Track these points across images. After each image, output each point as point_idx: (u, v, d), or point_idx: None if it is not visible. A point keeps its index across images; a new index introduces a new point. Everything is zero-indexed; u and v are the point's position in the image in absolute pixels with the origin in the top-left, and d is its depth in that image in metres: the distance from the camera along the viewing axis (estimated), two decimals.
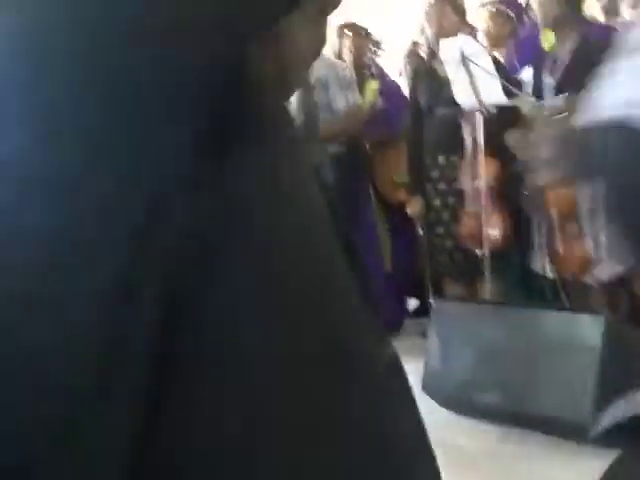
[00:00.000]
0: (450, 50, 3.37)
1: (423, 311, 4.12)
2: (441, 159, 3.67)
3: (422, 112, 3.76)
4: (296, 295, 0.48)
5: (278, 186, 0.49)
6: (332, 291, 0.50)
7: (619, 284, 3.44)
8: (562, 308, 3.21)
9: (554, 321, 2.72)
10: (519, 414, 2.61)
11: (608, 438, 2.41)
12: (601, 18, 3.90)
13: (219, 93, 0.46)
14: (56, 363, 0.43)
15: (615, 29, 3.78)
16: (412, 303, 4.49)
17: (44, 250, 0.44)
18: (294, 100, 3.21)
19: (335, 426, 0.48)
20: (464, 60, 3.29)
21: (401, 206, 4.00)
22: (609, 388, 2.44)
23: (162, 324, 0.43)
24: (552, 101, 3.29)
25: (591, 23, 3.53)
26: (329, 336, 0.49)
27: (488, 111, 3.37)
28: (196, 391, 0.45)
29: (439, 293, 3.78)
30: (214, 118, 0.46)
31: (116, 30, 0.46)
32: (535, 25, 3.65)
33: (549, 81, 3.40)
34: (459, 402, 2.74)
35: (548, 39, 3.57)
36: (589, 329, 2.56)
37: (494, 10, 4.11)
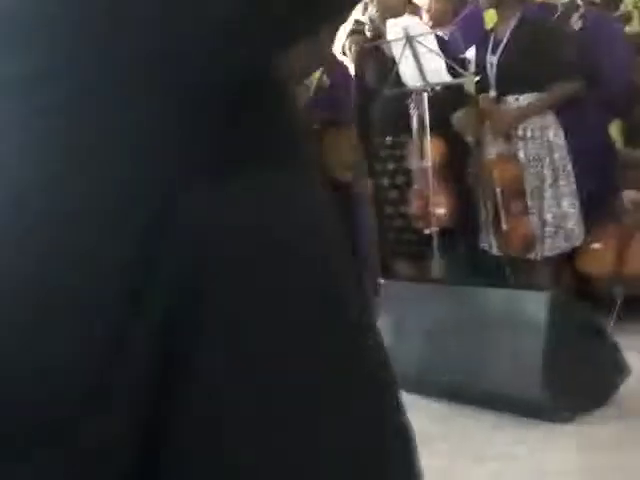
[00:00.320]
0: (396, 30, 3.36)
1: (372, 291, 4.14)
2: (389, 139, 3.69)
3: (369, 92, 3.76)
4: (301, 295, 0.49)
5: (283, 191, 0.50)
6: (338, 292, 0.51)
7: (563, 260, 3.52)
8: (508, 285, 3.28)
9: (500, 298, 2.77)
10: (470, 392, 2.66)
11: (558, 413, 2.48)
12: None
13: (236, 96, 0.46)
14: (58, 364, 0.43)
15: (554, 8, 3.84)
16: None
17: (47, 254, 0.44)
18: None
19: (341, 423, 0.50)
20: (409, 40, 3.29)
21: (349, 186, 4.00)
22: (556, 362, 2.50)
23: (163, 324, 0.44)
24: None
25: (530, 2, 3.58)
26: (340, 344, 0.50)
27: (434, 90, 3.38)
28: (201, 388, 0.46)
29: (388, 273, 3.81)
30: (230, 120, 0.46)
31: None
32: (478, 4, 3.67)
33: (492, 60, 3.44)
34: (411, 381, 2.77)
35: (491, 18, 3.60)
36: (535, 305, 2.62)
37: None
